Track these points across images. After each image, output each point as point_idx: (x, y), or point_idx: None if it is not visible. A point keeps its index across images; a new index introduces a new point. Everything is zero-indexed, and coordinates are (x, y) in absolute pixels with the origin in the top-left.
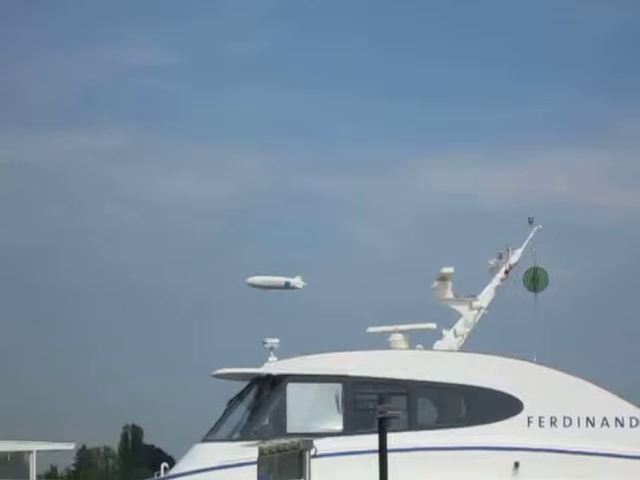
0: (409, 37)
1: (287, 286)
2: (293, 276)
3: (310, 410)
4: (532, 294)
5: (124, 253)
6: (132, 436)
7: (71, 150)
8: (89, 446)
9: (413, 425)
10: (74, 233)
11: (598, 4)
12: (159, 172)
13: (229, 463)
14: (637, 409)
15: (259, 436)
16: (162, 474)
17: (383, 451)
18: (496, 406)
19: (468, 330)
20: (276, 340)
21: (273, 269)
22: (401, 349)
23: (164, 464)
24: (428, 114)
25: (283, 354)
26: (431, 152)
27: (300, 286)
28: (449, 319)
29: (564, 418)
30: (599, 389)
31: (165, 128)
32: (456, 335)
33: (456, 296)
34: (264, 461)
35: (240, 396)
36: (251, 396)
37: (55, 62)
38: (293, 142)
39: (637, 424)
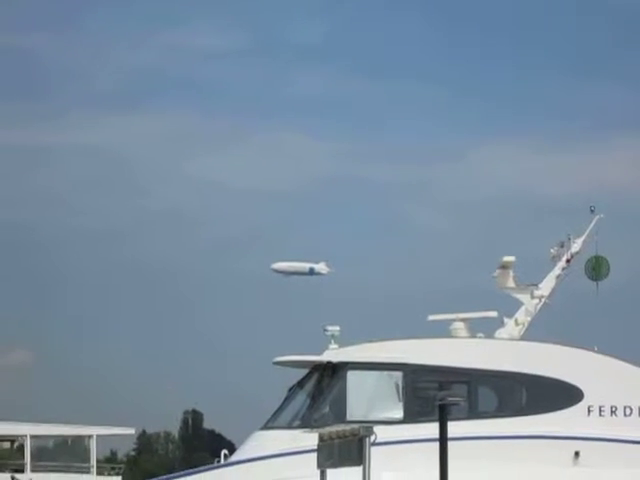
0: (473, 27)
1: (312, 272)
2: (317, 262)
3: (370, 398)
4: (593, 283)
5: (180, 238)
6: (192, 421)
7: (133, 133)
8: (149, 431)
9: (473, 414)
10: (135, 216)
11: None
12: (219, 156)
13: (289, 450)
14: None
15: (319, 424)
16: (222, 461)
17: (443, 439)
18: (556, 395)
19: (529, 319)
20: (337, 327)
21: (332, 256)
22: (462, 337)
23: (224, 451)
24: (489, 102)
25: (344, 342)
26: (493, 139)
27: (325, 272)
28: (510, 307)
29: (624, 407)
30: None
31: (225, 111)
32: (517, 324)
33: (517, 284)
34: (324, 448)
35: (301, 383)
36: (311, 384)
37: (118, 44)
38: (353, 128)
39: None
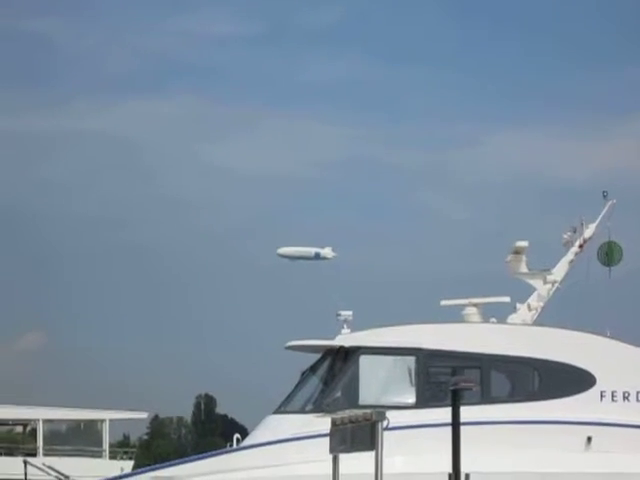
0: (488, 14)
1: (317, 257)
2: (322, 247)
3: (383, 383)
4: (606, 268)
5: (188, 223)
6: (205, 406)
7: (143, 118)
8: (162, 415)
9: (486, 399)
10: (145, 201)
11: None
12: (230, 142)
13: (302, 435)
14: None
15: (331, 408)
16: (235, 445)
17: (456, 424)
18: (569, 380)
19: (542, 304)
20: (349, 312)
21: (346, 241)
22: (475, 322)
23: (237, 435)
24: (503, 87)
25: (356, 326)
26: (507, 125)
27: (330, 256)
28: (523, 293)
29: (637, 393)
30: None
31: (237, 97)
32: (530, 309)
33: (530, 270)
34: (336, 432)
35: (313, 368)
36: (324, 368)
37: (130, 30)
38: (367, 113)
39: None
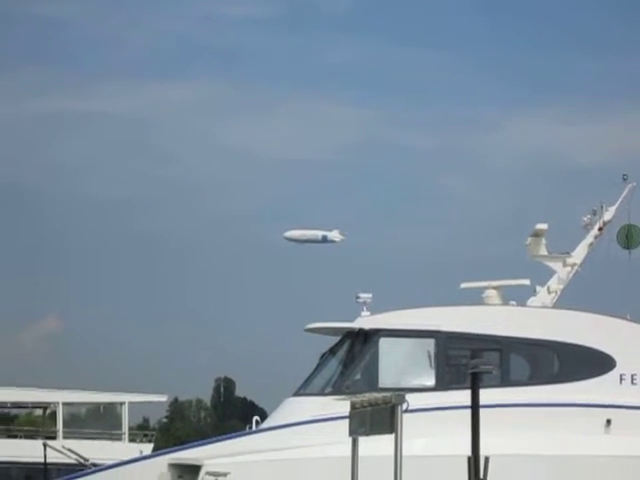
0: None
1: (324, 240)
2: (330, 230)
3: (402, 365)
4: (626, 251)
5: (211, 204)
6: (224, 389)
7: (166, 101)
8: (181, 398)
9: (505, 381)
10: (168, 183)
11: None
12: (252, 124)
13: (321, 417)
14: None
15: (351, 391)
16: (254, 427)
17: (475, 406)
18: (588, 363)
19: (561, 287)
20: (369, 295)
21: (367, 222)
22: (494, 305)
23: (256, 417)
24: (523, 71)
25: (376, 309)
26: (525, 109)
27: (338, 239)
28: (543, 275)
29: None
30: None
31: (258, 81)
32: (549, 292)
33: (550, 252)
34: (356, 415)
35: (332, 350)
36: (343, 351)
37: (152, 13)
38: (387, 97)
39: None
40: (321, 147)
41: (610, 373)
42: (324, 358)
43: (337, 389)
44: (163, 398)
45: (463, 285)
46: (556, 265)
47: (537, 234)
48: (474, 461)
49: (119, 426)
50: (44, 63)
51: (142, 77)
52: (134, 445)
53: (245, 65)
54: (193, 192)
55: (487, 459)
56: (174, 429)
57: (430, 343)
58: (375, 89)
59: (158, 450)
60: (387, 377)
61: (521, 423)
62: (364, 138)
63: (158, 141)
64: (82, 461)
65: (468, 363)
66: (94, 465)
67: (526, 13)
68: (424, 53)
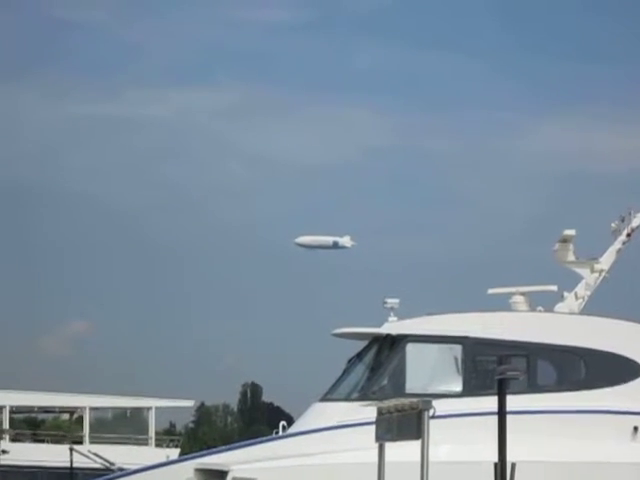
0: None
1: (336, 245)
2: (341, 236)
3: (429, 371)
4: None
5: (238, 210)
6: (251, 394)
7: (189, 107)
8: (208, 403)
9: (532, 388)
10: (187, 190)
11: None
12: (276, 130)
13: (347, 422)
14: None
15: (378, 396)
16: (281, 432)
17: (502, 413)
18: (615, 370)
19: (589, 293)
20: (396, 300)
21: (391, 229)
22: (522, 311)
23: (283, 422)
24: (551, 79)
25: (403, 314)
26: (552, 113)
27: (349, 245)
28: (570, 281)
29: None
30: None
31: (281, 85)
32: (577, 298)
33: (577, 258)
34: (382, 421)
35: (359, 356)
36: (370, 356)
37: (175, 20)
38: (414, 102)
39: None
40: (345, 151)
41: (637, 380)
42: (351, 363)
43: (364, 394)
44: (190, 403)
45: (490, 291)
46: (584, 271)
47: (565, 240)
48: (501, 467)
49: (145, 431)
50: (75, 69)
51: (164, 84)
52: (160, 450)
53: (273, 70)
54: (216, 199)
55: (513, 465)
56: (201, 434)
57: (457, 349)
58: (402, 94)
59: (184, 455)
60: (414, 383)
61: (548, 430)
62: (390, 143)
63: (187, 146)
64: (108, 466)
65: (495, 369)
66: (120, 469)
67: (552, 22)
68: (448, 57)
